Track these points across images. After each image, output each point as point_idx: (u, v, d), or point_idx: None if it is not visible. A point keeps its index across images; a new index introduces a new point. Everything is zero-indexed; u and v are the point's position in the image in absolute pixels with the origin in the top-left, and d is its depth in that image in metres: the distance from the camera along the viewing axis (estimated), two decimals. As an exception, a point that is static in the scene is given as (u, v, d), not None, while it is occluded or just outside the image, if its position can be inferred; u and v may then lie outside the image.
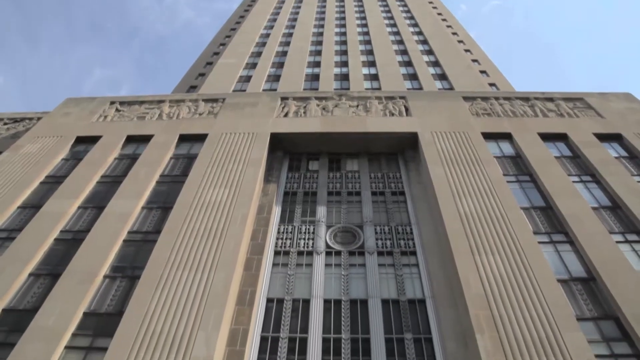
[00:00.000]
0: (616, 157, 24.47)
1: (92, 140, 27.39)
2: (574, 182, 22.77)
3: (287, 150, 27.58)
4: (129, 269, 18.93)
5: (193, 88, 45.04)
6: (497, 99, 29.73)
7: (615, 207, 21.36)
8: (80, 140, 27.69)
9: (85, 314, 17.08)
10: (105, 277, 18.52)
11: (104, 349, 15.43)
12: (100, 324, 16.75)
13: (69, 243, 20.23)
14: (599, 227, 19.52)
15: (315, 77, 41.11)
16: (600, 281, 17.39)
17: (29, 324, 16.13)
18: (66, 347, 15.95)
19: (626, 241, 19.47)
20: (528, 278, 17.20)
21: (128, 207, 21.53)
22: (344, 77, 41.15)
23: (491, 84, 42.66)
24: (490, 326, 15.57)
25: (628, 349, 15.41)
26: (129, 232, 20.67)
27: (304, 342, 17.42)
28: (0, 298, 17.39)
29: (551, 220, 20.82)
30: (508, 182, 22.84)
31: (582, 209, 20.61)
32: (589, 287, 17.64)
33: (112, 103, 30.88)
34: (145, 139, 27.11)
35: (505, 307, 16.21)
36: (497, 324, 15.65)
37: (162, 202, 22.52)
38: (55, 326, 16.08)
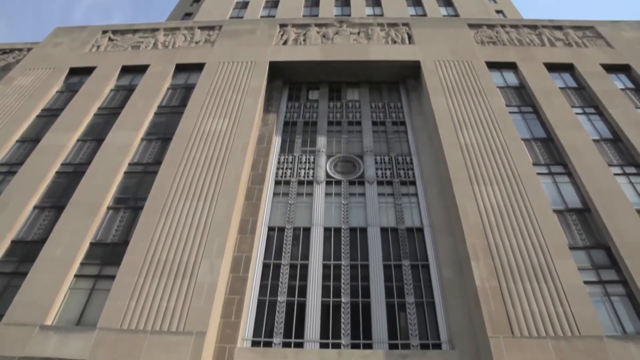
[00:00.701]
0: (622, 89, 23.99)
1: (86, 71, 26.76)
2: (576, 113, 22.49)
3: (286, 80, 27.06)
4: (131, 200, 19.15)
5: (188, 15, 43.40)
6: (503, 26, 28.77)
7: (616, 140, 21.26)
8: (73, 71, 27.06)
9: (91, 244, 17.47)
10: (108, 208, 18.77)
11: (112, 277, 15.95)
12: (107, 253, 17.20)
13: (71, 176, 20.32)
14: (598, 159, 19.53)
15: (315, 3, 39.51)
16: (595, 212, 17.64)
17: (39, 255, 16.56)
18: (76, 276, 16.46)
19: (624, 173, 19.55)
20: (525, 208, 17.44)
21: (127, 139, 21.43)
22: (345, 3, 39.53)
23: (498, 11, 41.07)
24: (486, 254, 15.98)
25: (615, 275, 15.95)
26: (129, 164, 20.70)
27: (304, 268, 17.95)
28: (8, 230, 17.73)
29: (551, 152, 20.80)
30: (510, 112, 22.57)
31: (583, 140, 20.52)
32: (583, 217, 17.92)
33: (105, 32, 29.88)
34: (140, 69, 26.50)
35: (501, 235, 16.56)
36: (492, 252, 16.06)
37: (161, 133, 22.39)
38: (64, 256, 16.51)
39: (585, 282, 15.39)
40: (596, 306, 14.86)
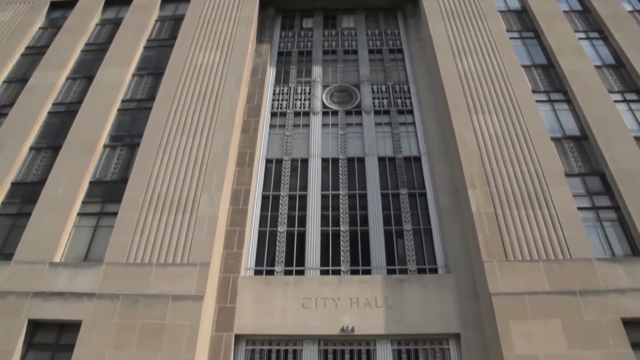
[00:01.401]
0: (630, 11, 23.10)
1: (68, 5, 25.66)
2: (579, 39, 21.80)
3: (279, 8, 26.07)
4: (127, 137, 19.04)
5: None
6: (504, -56, 27.29)
7: (619, 66, 20.78)
8: (54, 5, 25.96)
9: (91, 182, 17.59)
10: (105, 146, 18.71)
11: (114, 214, 16.24)
12: (107, 191, 17.36)
13: (64, 115, 20.04)
14: (598, 86, 19.19)
15: None
16: (592, 139, 17.62)
17: (40, 195, 16.73)
18: (79, 214, 16.73)
19: (624, 100, 19.26)
20: (522, 136, 17.41)
21: (118, 75, 20.95)
22: None
23: None
24: (482, 181, 16.17)
25: (608, 201, 16.21)
26: (122, 101, 20.39)
27: (303, 199, 18.23)
28: (7, 172, 17.77)
29: (551, 79, 20.41)
30: (511, 38, 21.92)
31: (585, 66, 20.04)
32: (580, 145, 17.91)
33: (84, -39, 28.33)
34: (125, 2, 25.40)
35: (498, 163, 16.67)
36: (488, 179, 16.24)
37: (152, 68, 21.86)
38: (65, 195, 16.68)
39: (579, 208, 15.68)
40: (588, 231, 15.27)
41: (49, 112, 20.35)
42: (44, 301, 14.15)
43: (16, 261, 15.07)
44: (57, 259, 15.34)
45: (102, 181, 17.73)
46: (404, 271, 16.22)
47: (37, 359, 13.69)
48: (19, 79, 22.03)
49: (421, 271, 16.20)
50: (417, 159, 19.25)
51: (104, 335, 13.34)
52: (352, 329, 14.68)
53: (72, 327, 13.81)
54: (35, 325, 14.10)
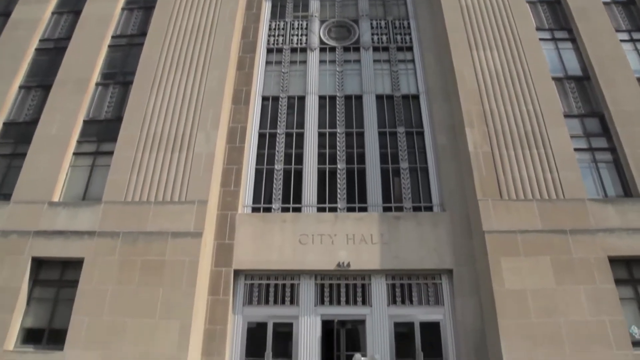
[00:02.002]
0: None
1: None
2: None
3: None
4: (119, 74, 18.58)
5: None
6: None
7: (629, 3, 19.94)
8: None
9: (85, 121, 17.37)
10: (97, 84, 18.28)
11: (110, 153, 16.20)
12: (102, 130, 17.18)
13: (52, 52, 19.40)
14: (605, 24, 18.49)
15: None
16: (594, 79, 17.26)
17: (34, 135, 16.57)
18: (74, 154, 16.67)
19: (631, 40, 18.68)
20: (523, 74, 17.03)
21: (106, 9, 20.09)
22: None
23: None
24: (480, 120, 16.04)
25: (605, 143, 16.18)
26: (112, 37, 19.68)
27: (300, 136, 18.15)
28: (-3, 113, 17.55)
29: (557, 16, 19.65)
30: (517, -31, 20.92)
31: (592, 3, 19.21)
32: (582, 85, 17.57)
33: None
34: None
35: (497, 102, 16.45)
36: (487, 118, 16.10)
37: (142, 2, 20.88)
38: (59, 135, 16.53)
39: (576, 149, 15.69)
40: (583, 172, 15.39)
41: (36, 49, 19.70)
42: (46, 240, 14.45)
43: (15, 201, 15.21)
44: (55, 198, 15.48)
45: (96, 120, 17.52)
46: (399, 209, 16.46)
47: (43, 294, 14.21)
48: (1, 14, 21.12)
49: (417, 209, 16.44)
50: (416, 97, 18.96)
51: (106, 271, 13.75)
52: (348, 264, 15.12)
53: (74, 264, 14.21)
54: (39, 263, 14.50)
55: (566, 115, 16.56)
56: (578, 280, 13.17)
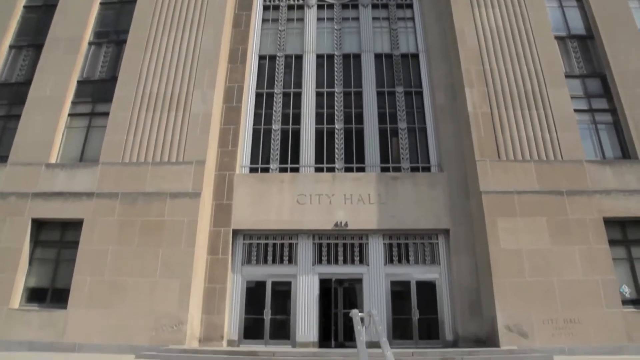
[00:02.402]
0: None
1: None
2: None
3: None
4: (112, 33, 18.09)
5: None
6: None
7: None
8: None
9: (79, 82, 17.07)
10: (90, 43, 17.83)
11: (106, 113, 16.01)
12: (97, 90, 16.91)
13: (42, 10, 18.78)
14: (612, -20, 17.92)
15: None
16: (597, 39, 16.84)
17: (28, 96, 16.29)
18: (70, 115, 16.48)
19: (639, -2, 18.14)
20: (525, 34, 16.59)
21: (96, -36, 19.39)
22: None
23: None
24: (480, 80, 15.80)
25: (606, 104, 16.00)
26: (104, -7, 19.12)
27: (298, 96, 17.95)
28: (-11, 74, 17.21)
29: (561, -27, 19.04)
30: None
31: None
32: (584, 45, 17.14)
33: None
34: None
35: (497, 61, 16.13)
36: (486, 78, 15.84)
37: (133, -44, 20.15)
38: (54, 95, 16.29)
39: (575, 110, 15.54)
40: (582, 133, 15.28)
41: (24, 7, 19.09)
42: (45, 201, 14.53)
43: (12, 163, 15.18)
44: (52, 160, 15.44)
45: (90, 80, 17.22)
46: (397, 169, 16.47)
47: (45, 255, 14.42)
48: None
49: (414, 169, 16.45)
50: (415, 56, 18.59)
51: (105, 232, 13.91)
52: (346, 224, 15.28)
53: (74, 225, 14.36)
54: (39, 224, 14.64)
55: (567, 76, 16.28)
56: (573, 241, 13.34)
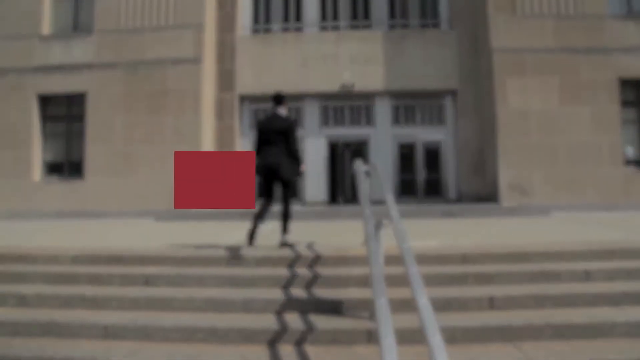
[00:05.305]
0: None
1: None
2: None
3: None
4: None
5: None
6: None
7: None
8: None
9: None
10: None
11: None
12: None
13: None
14: None
15: None
16: None
17: None
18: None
19: None
20: None
21: None
22: None
23: None
24: None
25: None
26: None
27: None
28: None
29: None
30: None
31: None
32: None
33: None
34: None
35: None
36: None
37: None
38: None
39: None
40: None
41: None
42: (46, 75, 14.22)
43: (2, 37, 14.45)
44: (45, 31, 14.66)
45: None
46: (405, 26, 15.60)
47: (55, 130, 14.62)
48: None
49: (424, 26, 15.56)
50: None
51: (111, 103, 13.88)
52: (352, 85, 15.01)
53: (80, 98, 14.24)
54: (44, 100, 14.53)
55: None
56: (583, 102, 13.05)
